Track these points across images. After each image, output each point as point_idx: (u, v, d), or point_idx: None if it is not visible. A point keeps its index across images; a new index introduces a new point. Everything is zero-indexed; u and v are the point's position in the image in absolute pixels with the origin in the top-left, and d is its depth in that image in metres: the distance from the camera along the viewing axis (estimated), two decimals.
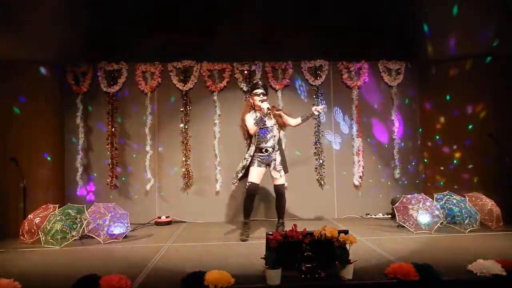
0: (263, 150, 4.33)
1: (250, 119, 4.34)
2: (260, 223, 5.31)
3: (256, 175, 4.32)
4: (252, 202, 4.38)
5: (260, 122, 4.28)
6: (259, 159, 4.34)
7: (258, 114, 4.37)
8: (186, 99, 5.77)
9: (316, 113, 4.38)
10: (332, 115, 5.88)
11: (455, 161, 5.45)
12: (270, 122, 4.38)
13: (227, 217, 5.68)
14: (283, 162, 4.45)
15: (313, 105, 4.51)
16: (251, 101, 4.47)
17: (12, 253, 4.02)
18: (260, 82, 4.53)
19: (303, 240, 2.83)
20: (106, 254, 3.84)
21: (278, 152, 4.42)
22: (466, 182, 5.32)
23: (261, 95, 4.37)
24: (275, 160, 4.37)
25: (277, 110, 4.50)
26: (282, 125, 4.51)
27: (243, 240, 4.24)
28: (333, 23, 5.66)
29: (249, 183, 4.32)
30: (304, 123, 4.55)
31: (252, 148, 4.35)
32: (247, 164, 4.35)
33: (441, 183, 5.51)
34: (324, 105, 4.50)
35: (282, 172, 4.39)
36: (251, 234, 4.48)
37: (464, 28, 5.05)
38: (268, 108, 4.25)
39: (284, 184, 4.41)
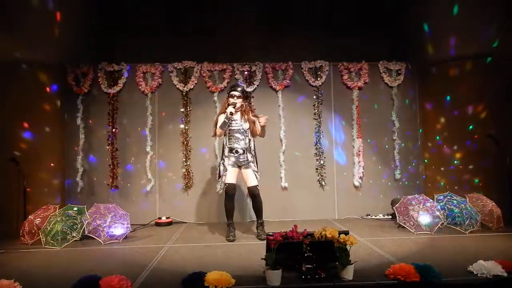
0: (234, 151, 4.35)
1: (220, 120, 4.39)
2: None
3: (231, 176, 4.35)
4: (232, 202, 4.39)
5: (224, 126, 4.30)
6: (232, 159, 4.35)
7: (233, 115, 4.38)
8: (186, 99, 5.78)
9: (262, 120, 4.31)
10: (332, 116, 5.89)
11: (455, 162, 5.44)
12: (245, 125, 4.39)
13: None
14: (256, 165, 4.46)
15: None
16: (228, 102, 4.45)
17: (13, 254, 4.01)
18: (237, 84, 4.59)
19: (304, 241, 2.83)
20: (107, 255, 3.84)
21: (251, 155, 4.40)
22: (467, 182, 5.31)
23: (235, 97, 4.37)
24: (248, 162, 4.36)
25: (253, 116, 4.44)
26: (252, 132, 4.41)
27: (230, 241, 4.25)
28: (334, 24, 5.68)
29: (226, 184, 4.34)
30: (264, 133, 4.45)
31: (226, 149, 4.39)
32: (224, 166, 4.38)
33: (442, 183, 5.50)
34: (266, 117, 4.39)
35: (257, 174, 4.41)
36: (251, 235, 4.48)
37: (464, 29, 5.06)
38: (231, 112, 4.25)
39: (257, 186, 4.39)
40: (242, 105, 4.43)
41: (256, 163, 4.47)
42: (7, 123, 4.97)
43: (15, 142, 5.00)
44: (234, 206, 4.45)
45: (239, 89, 4.47)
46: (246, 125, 4.39)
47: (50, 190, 5.28)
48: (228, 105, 4.36)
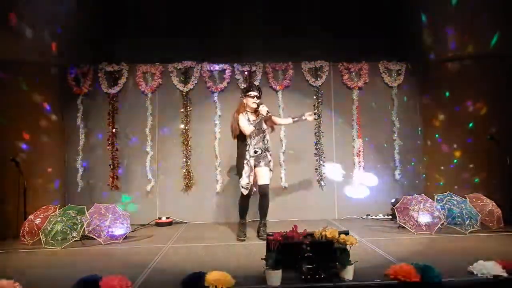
0: (254, 152, 4.35)
1: (244, 120, 4.36)
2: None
3: (251, 176, 4.35)
4: (248, 202, 4.43)
5: (258, 124, 4.33)
6: (251, 160, 4.35)
7: (249, 116, 4.40)
8: (186, 99, 5.77)
9: (309, 118, 4.45)
10: (332, 116, 5.89)
11: (455, 162, 5.44)
12: (264, 126, 4.42)
13: (227, 217, 5.67)
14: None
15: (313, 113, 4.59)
16: (244, 101, 4.47)
17: (13, 254, 4.02)
18: (255, 84, 4.62)
19: (304, 241, 2.83)
20: (107, 255, 3.84)
21: (269, 154, 4.44)
22: (467, 182, 5.31)
23: (255, 98, 4.40)
24: (268, 161, 4.39)
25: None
26: (272, 127, 4.58)
27: (240, 240, 4.27)
28: (334, 24, 5.67)
29: (249, 185, 4.32)
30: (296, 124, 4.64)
31: (252, 149, 4.34)
32: (251, 167, 4.30)
33: (441, 183, 5.50)
34: (316, 114, 4.50)
35: (271, 173, 4.45)
36: (250, 235, 4.48)
37: (464, 28, 5.06)
38: (267, 111, 4.29)
39: (268, 185, 4.41)
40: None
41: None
42: (7, 123, 4.96)
43: (15, 142, 5.00)
44: (248, 206, 4.49)
45: (257, 89, 4.51)
46: (264, 126, 4.42)
47: (50, 190, 5.28)
48: (246, 105, 4.41)
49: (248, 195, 4.35)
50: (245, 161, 4.32)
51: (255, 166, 4.38)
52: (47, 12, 4.83)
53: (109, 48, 5.73)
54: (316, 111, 4.47)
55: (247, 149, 4.34)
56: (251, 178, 4.31)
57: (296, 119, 4.55)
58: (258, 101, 4.38)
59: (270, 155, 4.46)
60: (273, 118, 4.59)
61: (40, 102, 5.19)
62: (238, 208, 4.49)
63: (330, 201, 5.80)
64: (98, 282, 2.65)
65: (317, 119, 4.42)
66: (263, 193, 4.37)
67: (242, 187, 4.29)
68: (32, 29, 4.80)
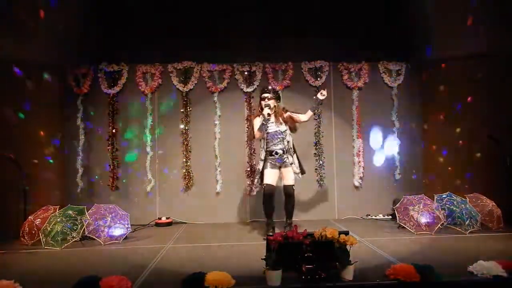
0: (273, 153, 4.38)
1: (257, 124, 4.43)
2: (261, 224, 5.31)
3: (269, 177, 4.37)
4: (270, 202, 4.40)
5: (262, 128, 4.34)
6: (271, 161, 4.39)
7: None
8: (186, 100, 5.77)
9: (320, 97, 4.44)
10: (332, 116, 5.88)
11: (455, 162, 5.44)
12: (282, 127, 4.41)
13: (227, 217, 5.67)
14: (300, 164, 4.52)
15: (314, 95, 4.61)
16: (260, 105, 4.51)
17: (13, 254, 4.01)
18: (268, 87, 4.68)
19: (304, 241, 2.83)
20: (107, 256, 3.84)
21: (291, 156, 4.44)
22: (467, 182, 5.31)
23: (266, 99, 4.41)
24: (289, 162, 4.40)
25: (285, 112, 4.51)
26: (294, 127, 4.56)
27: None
28: (334, 24, 5.67)
29: (265, 185, 4.37)
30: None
31: (262, 152, 4.43)
32: (261, 168, 4.44)
33: (441, 183, 5.50)
34: (324, 90, 4.51)
35: (298, 176, 4.47)
36: (251, 235, 4.48)
37: (464, 28, 5.06)
38: (268, 113, 4.31)
39: (293, 186, 4.42)
40: (274, 106, 4.45)
41: (299, 162, 4.51)
42: (7, 123, 4.96)
43: (15, 142, 4.99)
44: (273, 207, 4.44)
45: (269, 90, 4.52)
46: (283, 127, 4.42)
47: (50, 191, 5.28)
48: (261, 108, 4.42)
49: (266, 195, 4.33)
50: (259, 166, 4.49)
51: (279, 168, 4.42)
52: (47, 13, 4.82)
53: (109, 48, 5.72)
54: (321, 90, 4.50)
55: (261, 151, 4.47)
56: (264, 178, 4.36)
57: (314, 106, 4.53)
58: (268, 102, 4.39)
59: (294, 156, 4.47)
60: (294, 117, 4.54)
61: (40, 102, 5.18)
62: None
63: (330, 201, 5.80)
64: (98, 282, 2.65)
65: (324, 95, 4.44)
66: (287, 193, 4.40)
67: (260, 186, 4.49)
68: (32, 30, 4.79)
